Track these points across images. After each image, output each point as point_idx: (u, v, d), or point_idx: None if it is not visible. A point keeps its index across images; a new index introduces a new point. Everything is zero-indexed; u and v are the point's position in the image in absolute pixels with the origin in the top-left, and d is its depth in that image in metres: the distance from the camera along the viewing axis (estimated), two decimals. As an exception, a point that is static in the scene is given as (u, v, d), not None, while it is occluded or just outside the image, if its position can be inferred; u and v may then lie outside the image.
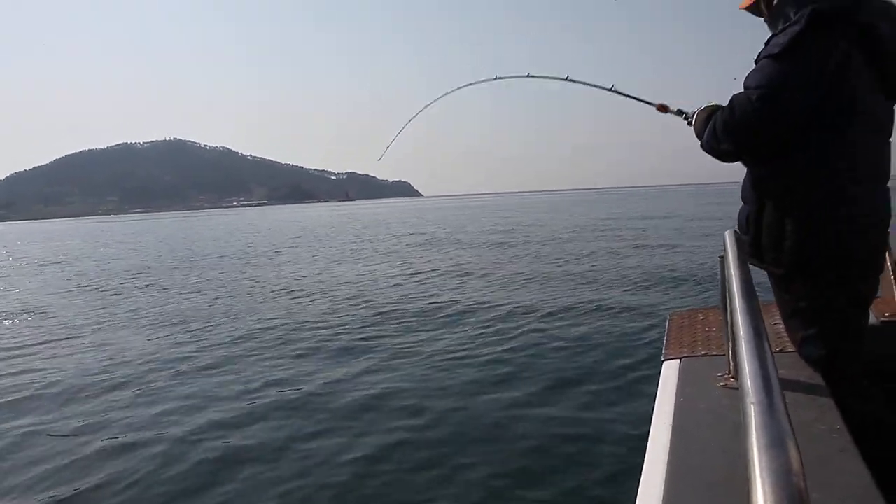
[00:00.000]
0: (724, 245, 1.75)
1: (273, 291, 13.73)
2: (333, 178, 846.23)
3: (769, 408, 0.79)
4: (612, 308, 9.48)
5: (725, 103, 1.91)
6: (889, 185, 1.94)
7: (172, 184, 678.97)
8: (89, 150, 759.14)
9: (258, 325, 9.75)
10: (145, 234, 53.76)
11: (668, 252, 17.18)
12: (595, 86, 2.84)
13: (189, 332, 9.67)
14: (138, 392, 6.50)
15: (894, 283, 2.52)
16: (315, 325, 9.50)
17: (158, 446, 4.97)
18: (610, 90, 2.74)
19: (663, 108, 2.39)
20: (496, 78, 3.24)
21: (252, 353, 7.96)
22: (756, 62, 1.85)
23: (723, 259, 1.72)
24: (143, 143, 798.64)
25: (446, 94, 3.57)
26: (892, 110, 1.91)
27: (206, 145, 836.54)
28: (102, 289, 16.09)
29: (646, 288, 11.41)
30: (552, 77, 3.07)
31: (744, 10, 2.09)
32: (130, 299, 13.76)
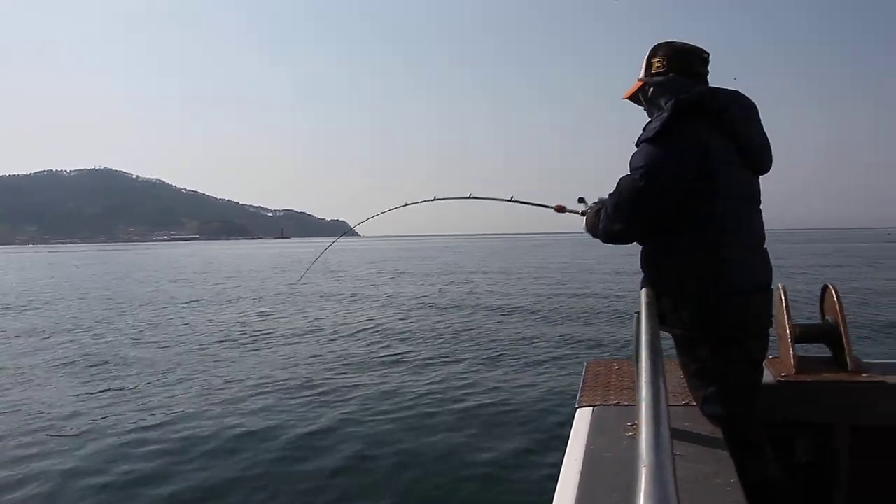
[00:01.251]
0: (640, 302, 1.84)
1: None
2: (269, 214, 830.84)
3: (658, 473, 0.83)
4: (531, 353, 9.75)
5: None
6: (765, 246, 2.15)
7: (98, 214, 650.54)
8: (10, 175, 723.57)
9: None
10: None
11: (596, 301, 17.44)
12: (496, 199, 3.18)
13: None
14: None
15: (790, 346, 2.60)
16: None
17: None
18: (510, 201, 3.07)
19: (560, 209, 2.65)
20: (405, 204, 3.59)
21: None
22: (637, 145, 2.07)
23: (637, 315, 1.76)
24: (70, 171, 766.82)
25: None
26: (758, 183, 2.16)
27: (138, 176, 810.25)
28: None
29: (568, 334, 11.64)
30: (456, 197, 3.32)
31: (627, 100, 2.33)
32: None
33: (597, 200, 2.33)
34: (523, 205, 3.02)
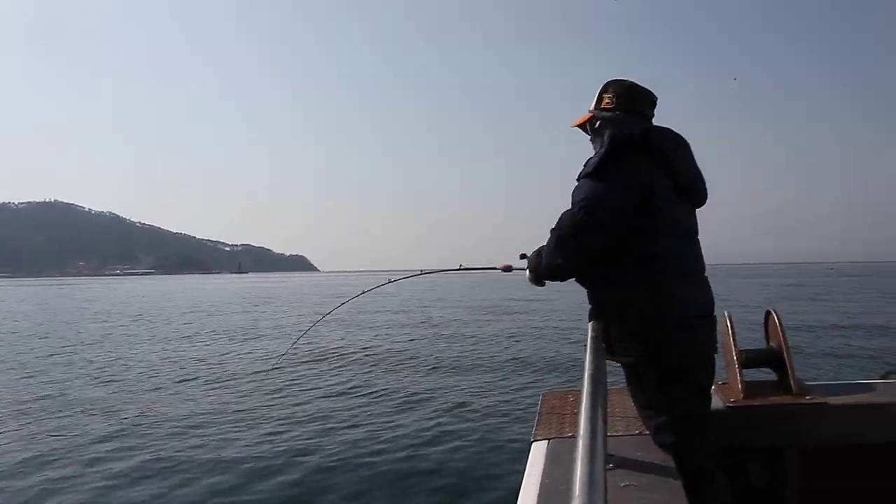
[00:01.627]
0: (588, 336, 1.90)
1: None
2: (227, 249, 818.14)
3: None
4: (488, 385, 9.76)
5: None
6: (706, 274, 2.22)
7: (47, 248, 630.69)
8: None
9: None
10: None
11: (555, 332, 17.69)
12: (446, 270, 3.32)
13: None
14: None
15: (738, 371, 2.65)
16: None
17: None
18: (459, 270, 3.17)
19: (507, 269, 2.73)
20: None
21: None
22: (578, 180, 2.12)
23: (586, 348, 1.80)
24: (18, 203, 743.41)
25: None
26: (694, 216, 2.23)
27: (91, 210, 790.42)
28: None
29: (525, 366, 11.77)
30: (411, 274, 3.55)
31: (576, 128, 2.38)
32: None
33: (536, 250, 2.34)
34: (473, 271, 3.13)
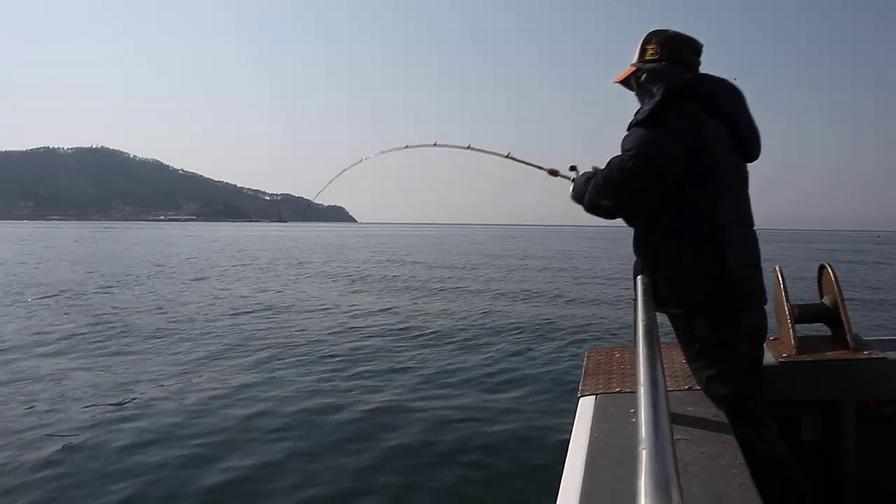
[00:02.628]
0: (636, 290, 1.92)
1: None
2: (267, 198, 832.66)
3: (657, 454, 0.84)
4: (533, 341, 9.58)
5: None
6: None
7: (94, 193, 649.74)
8: (7, 151, 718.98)
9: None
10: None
11: (597, 287, 17.53)
12: (493, 153, 3.16)
13: None
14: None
15: (790, 326, 2.60)
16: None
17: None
18: (506, 157, 3.05)
19: (553, 173, 2.63)
20: (406, 147, 3.53)
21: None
22: (628, 129, 2.11)
23: (635, 302, 1.79)
24: (68, 148, 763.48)
25: (363, 159, 3.83)
26: (746, 167, 2.20)
27: (136, 156, 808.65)
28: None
29: (570, 321, 11.54)
30: (456, 146, 3.38)
31: (618, 84, 2.37)
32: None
33: (590, 170, 2.33)
34: (518, 162, 3.01)
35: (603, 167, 2.15)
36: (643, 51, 2.22)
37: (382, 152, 3.70)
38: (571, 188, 2.37)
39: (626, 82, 2.33)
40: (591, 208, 2.21)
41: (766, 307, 2.15)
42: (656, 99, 2.03)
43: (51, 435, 5.22)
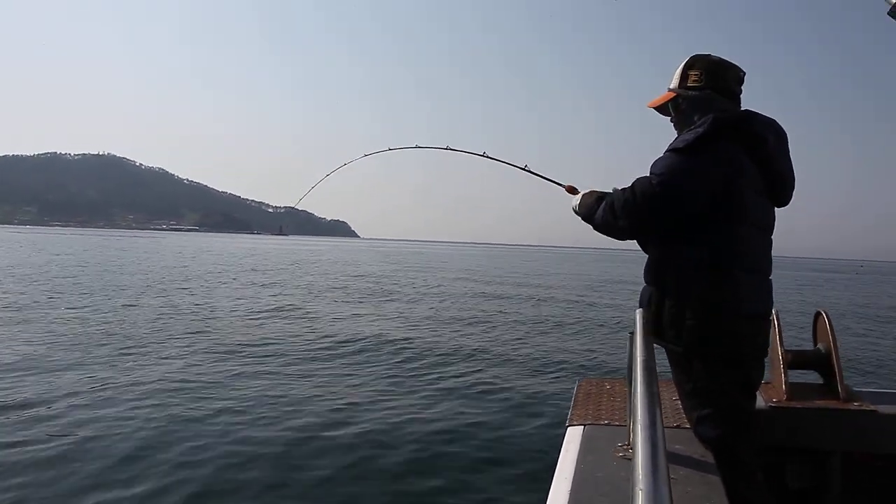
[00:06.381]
0: (635, 323, 1.85)
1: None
2: (270, 210, 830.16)
3: (655, 498, 0.84)
4: (523, 368, 9.52)
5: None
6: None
7: (98, 200, 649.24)
8: (14, 155, 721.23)
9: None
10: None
11: (589, 314, 17.49)
12: (509, 164, 3.03)
13: None
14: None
15: (782, 371, 2.59)
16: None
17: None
18: (523, 169, 2.93)
19: (572, 190, 2.51)
20: (416, 146, 3.56)
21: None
22: (666, 152, 2.05)
23: (632, 336, 1.77)
24: (74, 154, 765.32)
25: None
26: (773, 213, 2.15)
27: (141, 164, 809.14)
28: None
29: (561, 350, 11.44)
30: (471, 152, 3.29)
31: (652, 109, 2.29)
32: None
33: (611, 190, 2.21)
34: (535, 176, 2.88)
35: (624, 187, 2.08)
36: (685, 76, 2.14)
37: (390, 149, 3.59)
38: (579, 201, 2.32)
39: (662, 108, 2.25)
40: (604, 226, 2.15)
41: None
42: (699, 130, 1.96)
43: (56, 433, 5.60)
